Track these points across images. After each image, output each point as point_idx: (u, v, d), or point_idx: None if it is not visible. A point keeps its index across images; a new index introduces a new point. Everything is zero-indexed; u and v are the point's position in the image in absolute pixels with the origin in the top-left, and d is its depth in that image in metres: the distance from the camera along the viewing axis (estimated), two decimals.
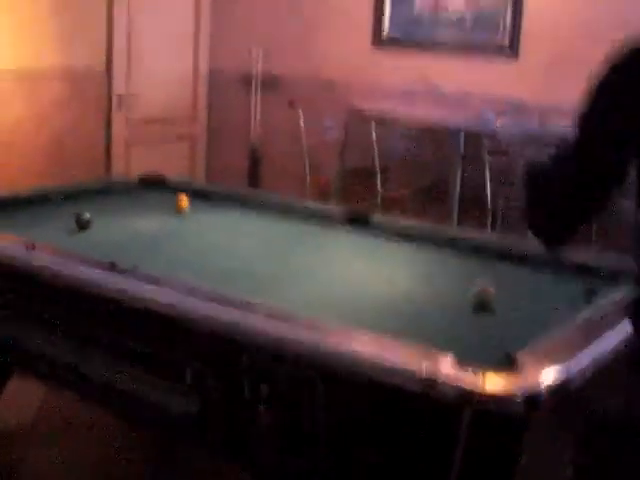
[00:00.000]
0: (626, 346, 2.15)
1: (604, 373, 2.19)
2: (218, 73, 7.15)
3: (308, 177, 6.02)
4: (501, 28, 5.87)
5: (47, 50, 5.98)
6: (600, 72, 1.93)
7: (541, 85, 5.66)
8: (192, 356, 2.50)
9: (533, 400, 1.93)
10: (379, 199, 5.59)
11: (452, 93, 5.91)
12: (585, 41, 5.54)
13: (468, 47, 6.02)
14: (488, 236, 4.45)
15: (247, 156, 6.94)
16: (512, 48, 5.82)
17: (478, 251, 3.25)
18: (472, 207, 5.32)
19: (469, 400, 1.93)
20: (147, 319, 2.60)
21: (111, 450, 3.70)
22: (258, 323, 2.34)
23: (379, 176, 5.74)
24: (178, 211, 3.77)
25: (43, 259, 2.88)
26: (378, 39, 6.39)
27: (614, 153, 1.93)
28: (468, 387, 1.93)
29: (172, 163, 6.25)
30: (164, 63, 6.78)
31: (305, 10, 6.72)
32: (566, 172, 2.01)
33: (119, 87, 6.47)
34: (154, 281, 2.65)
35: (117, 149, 6.47)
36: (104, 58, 6.38)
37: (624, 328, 2.19)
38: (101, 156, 6.31)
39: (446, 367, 2.00)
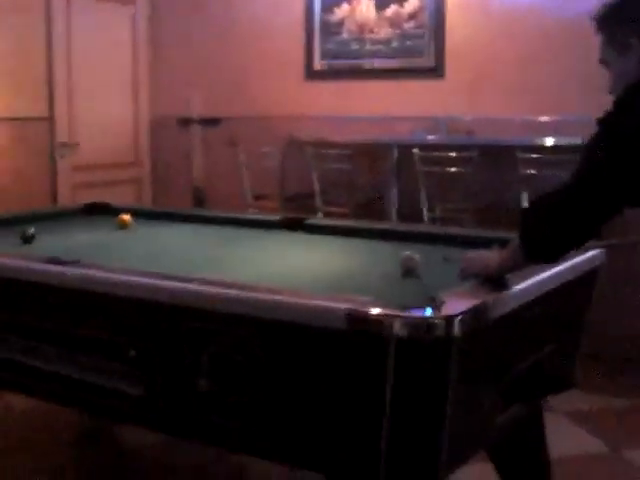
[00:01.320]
0: None
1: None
2: (159, 118, 7.34)
3: (250, 209, 6.19)
4: (426, 51, 6.14)
5: None
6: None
7: (466, 101, 5.93)
8: (133, 336, 2.62)
9: (451, 323, 2.08)
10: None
11: (383, 116, 6.16)
12: (503, 58, 5.85)
13: (396, 71, 6.28)
14: (407, 225, 4.63)
15: (191, 195, 7.10)
16: (438, 69, 6.09)
17: (399, 237, 3.46)
18: (410, 219, 5.52)
19: (394, 330, 2.08)
20: (89, 304, 2.73)
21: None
22: (195, 289, 2.47)
23: (318, 197, 5.93)
24: (121, 227, 3.90)
25: None
26: (310, 72, 6.64)
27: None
28: (394, 319, 2.08)
29: None
30: (106, 110, 6.94)
31: (239, 52, 6.96)
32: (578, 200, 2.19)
33: (62, 135, 6.61)
34: (95, 268, 2.77)
35: (62, 194, 6.59)
36: (46, 107, 6.52)
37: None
38: (47, 201, 6.42)
39: (371, 305, 2.16)
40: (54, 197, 6.54)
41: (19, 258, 2.99)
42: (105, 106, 6.94)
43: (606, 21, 2.32)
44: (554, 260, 2.38)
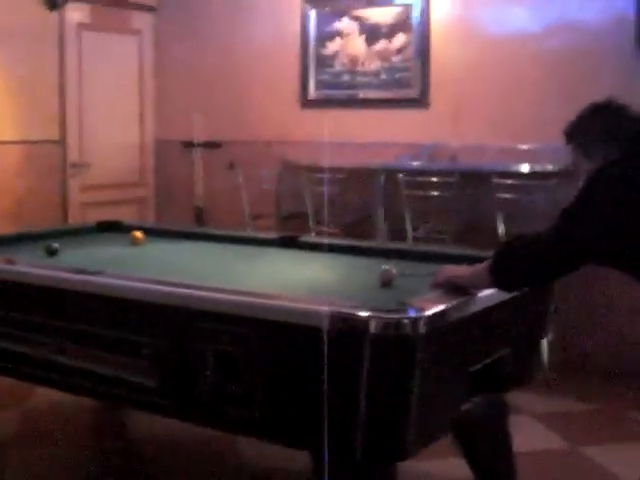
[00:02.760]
0: None
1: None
2: (163, 141, 7.81)
3: (247, 228, 6.62)
4: (412, 82, 6.60)
5: (7, 125, 6.58)
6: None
7: (450, 129, 6.38)
8: (150, 335, 3.06)
9: (417, 322, 2.54)
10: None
11: (372, 142, 6.60)
12: (485, 88, 6.30)
13: (384, 101, 6.75)
14: (393, 244, 5.09)
15: (192, 214, 7.55)
16: (423, 99, 6.55)
17: (384, 255, 3.90)
18: (395, 237, 5.95)
19: (369, 328, 2.53)
20: (112, 308, 3.17)
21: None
22: (200, 294, 2.92)
23: (311, 217, 6.38)
24: (134, 242, 4.32)
25: (21, 268, 3.43)
26: (305, 101, 7.11)
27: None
28: (369, 319, 2.53)
29: None
30: (113, 134, 7.42)
31: (239, 80, 7.41)
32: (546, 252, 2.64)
33: (73, 156, 7.08)
34: (117, 278, 3.22)
35: (73, 211, 7.05)
36: (58, 131, 6.98)
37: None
38: (58, 218, 6.86)
39: (351, 308, 2.61)
40: (65, 215, 6.99)
41: (51, 269, 3.44)
42: (113, 129, 7.41)
43: (571, 136, 2.79)
44: (510, 291, 2.89)
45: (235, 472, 3.99)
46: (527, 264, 2.69)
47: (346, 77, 6.91)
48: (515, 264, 2.72)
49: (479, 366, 3.02)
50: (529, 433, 4.46)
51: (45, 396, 4.68)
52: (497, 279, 2.75)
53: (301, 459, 2.94)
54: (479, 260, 3.45)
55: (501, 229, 5.58)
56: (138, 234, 4.35)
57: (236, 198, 6.99)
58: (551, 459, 4.28)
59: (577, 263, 2.65)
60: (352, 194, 6.50)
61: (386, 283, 3.28)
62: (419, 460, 3.13)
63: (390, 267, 3.35)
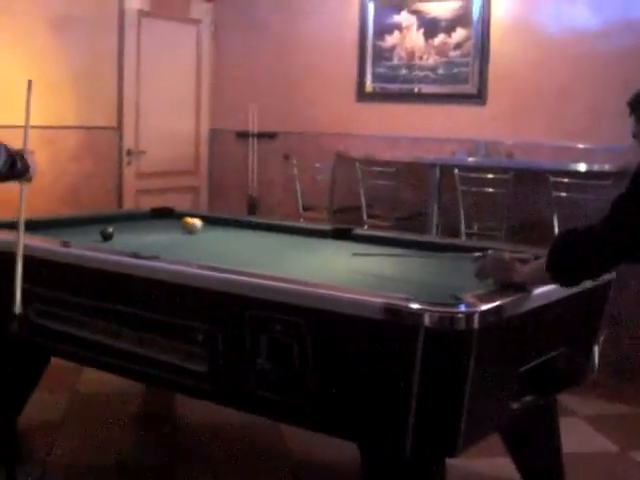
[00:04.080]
0: None
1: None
2: (218, 130, 7.85)
3: (302, 219, 6.63)
4: (470, 78, 6.56)
5: (67, 110, 6.66)
6: None
7: (506, 126, 6.33)
8: (203, 321, 3.07)
9: (471, 317, 2.51)
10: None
11: (427, 137, 6.58)
12: (543, 86, 6.24)
13: (441, 96, 6.72)
14: (447, 239, 4.99)
15: (245, 204, 7.57)
16: (480, 95, 6.51)
17: (442, 250, 3.86)
18: (448, 234, 5.92)
19: (423, 321, 2.51)
20: (167, 293, 3.18)
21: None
22: (256, 282, 2.92)
23: (364, 210, 6.37)
24: (189, 229, 4.31)
25: (77, 251, 3.46)
26: (361, 93, 7.09)
27: None
28: (424, 313, 2.51)
29: None
30: (169, 122, 7.47)
31: (296, 71, 7.43)
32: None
33: (129, 143, 7.15)
34: (173, 263, 3.23)
35: (127, 198, 7.11)
36: (115, 117, 7.04)
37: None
38: (113, 204, 6.93)
39: (405, 301, 2.59)
40: (119, 200, 7.06)
41: (107, 252, 3.47)
42: (169, 118, 7.47)
43: (635, 104, 2.71)
44: (571, 286, 2.81)
45: (279, 462, 3.99)
46: (583, 257, 2.63)
47: (403, 71, 6.89)
48: (572, 258, 2.66)
49: (532, 364, 2.99)
50: (578, 435, 4.41)
51: (93, 380, 4.73)
52: (555, 275, 2.71)
53: (348, 452, 2.95)
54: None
55: (556, 227, 5.52)
56: (193, 221, 4.34)
57: (289, 189, 7.01)
58: (600, 462, 4.22)
59: (633, 250, 2.57)
60: (406, 188, 6.48)
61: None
62: (467, 458, 3.11)
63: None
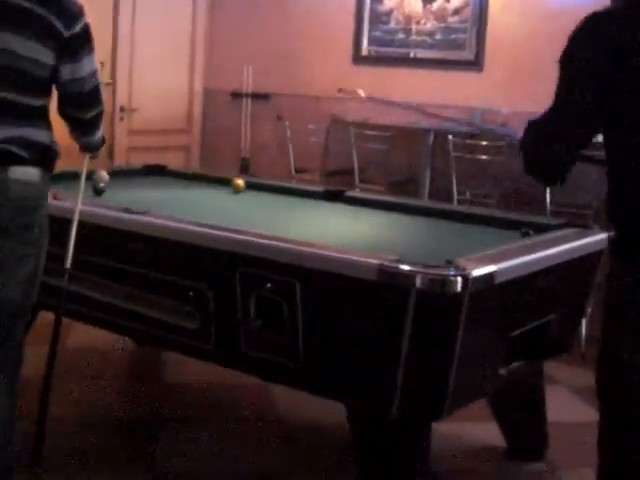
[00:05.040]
0: None
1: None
2: (212, 90, 7.79)
3: (294, 180, 6.60)
4: (467, 44, 6.52)
5: None
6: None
7: (502, 94, 6.30)
8: (194, 278, 3.06)
9: (462, 281, 2.50)
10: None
11: (423, 102, 6.54)
12: (540, 55, 6.19)
13: (438, 61, 6.68)
14: (439, 204, 4.96)
15: (237, 165, 7.54)
16: (477, 62, 6.48)
17: (426, 213, 3.87)
18: (440, 200, 5.91)
19: (416, 283, 2.50)
20: (158, 249, 3.17)
21: None
22: (248, 239, 2.91)
23: (357, 174, 6.35)
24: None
25: (66, 204, 3.42)
26: (357, 57, 7.05)
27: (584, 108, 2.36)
28: (416, 274, 2.50)
29: None
30: (163, 80, 7.39)
31: (291, 33, 7.36)
32: (552, 121, 2.48)
33: (122, 100, 7.09)
34: (164, 218, 3.21)
35: (118, 155, 7.06)
36: (109, 73, 6.97)
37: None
38: (104, 161, 6.87)
39: (398, 262, 2.58)
40: (111, 157, 7.00)
41: (98, 206, 3.44)
42: (163, 75, 7.38)
43: None
44: (547, 181, 2.62)
45: (267, 423, 4.00)
46: (536, 143, 2.51)
47: (400, 35, 6.85)
48: (531, 150, 2.52)
49: (521, 330, 2.99)
50: (563, 404, 4.42)
51: (81, 335, 4.71)
52: (531, 174, 2.54)
53: (336, 414, 2.95)
54: (522, 224, 3.46)
55: (549, 197, 5.50)
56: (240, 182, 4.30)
57: (282, 151, 6.98)
58: (584, 431, 4.21)
59: (578, 125, 2.42)
60: (399, 153, 6.46)
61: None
62: (452, 422, 3.11)
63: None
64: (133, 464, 3.48)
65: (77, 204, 3.21)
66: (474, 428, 3.95)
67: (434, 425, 2.87)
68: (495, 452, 3.73)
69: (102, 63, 3.28)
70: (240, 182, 4.29)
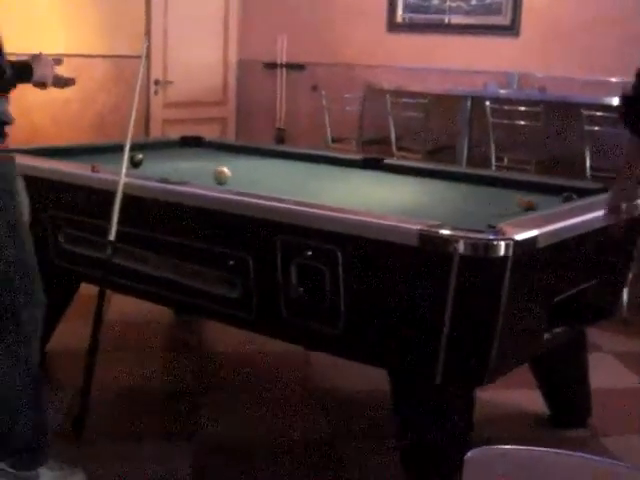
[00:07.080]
0: None
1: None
2: (247, 61, 7.77)
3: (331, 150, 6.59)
4: (503, 9, 6.44)
5: (93, 38, 6.61)
6: None
7: (539, 59, 6.23)
8: (235, 247, 3.05)
9: (505, 246, 2.48)
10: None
11: (460, 69, 6.49)
12: (577, 20, 6.11)
13: (474, 28, 6.60)
14: (480, 170, 4.92)
15: (273, 136, 7.53)
16: (513, 27, 6.39)
17: (467, 179, 3.84)
18: (479, 166, 5.87)
19: (458, 248, 2.48)
20: (197, 219, 3.17)
21: None
22: (289, 207, 2.90)
23: (394, 142, 6.32)
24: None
25: (106, 176, 3.44)
26: (392, 24, 6.98)
27: None
28: (459, 239, 2.48)
29: None
30: (197, 52, 7.39)
31: (325, 1, 7.32)
32: None
33: (157, 72, 7.10)
34: (203, 188, 3.21)
35: (154, 128, 7.09)
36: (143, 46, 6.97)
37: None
38: (140, 133, 6.89)
39: (440, 227, 2.56)
40: (147, 130, 7.03)
41: (137, 177, 3.44)
42: (197, 48, 7.39)
43: None
44: None
45: (307, 392, 4.01)
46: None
47: (435, 1, 6.76)
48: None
49: (564, 296, 2.96)
50: (607, 370, 4.39)
51: (122, 307, 4.74)
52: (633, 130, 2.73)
53: (376, 383, 2.94)
54: (563, 189, 3.42)
55: (588, 161, 5.45)
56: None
57: (318, 121, 6.95)
58: (627, 397, 4.21)
59: None
60: (436, 120, 6.41)
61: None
62: (495, 388, 3.10)
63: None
64: (177, 432, 3.50)
65: (121, 177, 3.22)
66: (517, 395, 3.93)
67: (478, 390, 2.85)
68: (538, 419, 3.71)
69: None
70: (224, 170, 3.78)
